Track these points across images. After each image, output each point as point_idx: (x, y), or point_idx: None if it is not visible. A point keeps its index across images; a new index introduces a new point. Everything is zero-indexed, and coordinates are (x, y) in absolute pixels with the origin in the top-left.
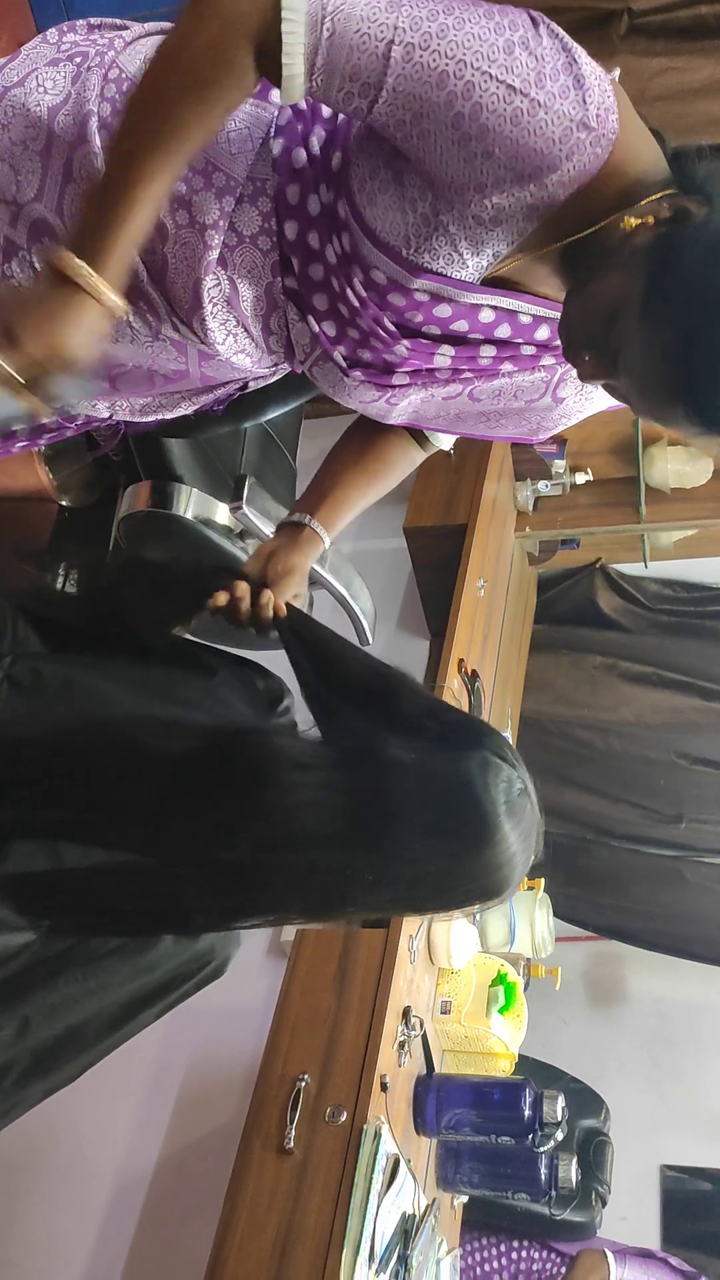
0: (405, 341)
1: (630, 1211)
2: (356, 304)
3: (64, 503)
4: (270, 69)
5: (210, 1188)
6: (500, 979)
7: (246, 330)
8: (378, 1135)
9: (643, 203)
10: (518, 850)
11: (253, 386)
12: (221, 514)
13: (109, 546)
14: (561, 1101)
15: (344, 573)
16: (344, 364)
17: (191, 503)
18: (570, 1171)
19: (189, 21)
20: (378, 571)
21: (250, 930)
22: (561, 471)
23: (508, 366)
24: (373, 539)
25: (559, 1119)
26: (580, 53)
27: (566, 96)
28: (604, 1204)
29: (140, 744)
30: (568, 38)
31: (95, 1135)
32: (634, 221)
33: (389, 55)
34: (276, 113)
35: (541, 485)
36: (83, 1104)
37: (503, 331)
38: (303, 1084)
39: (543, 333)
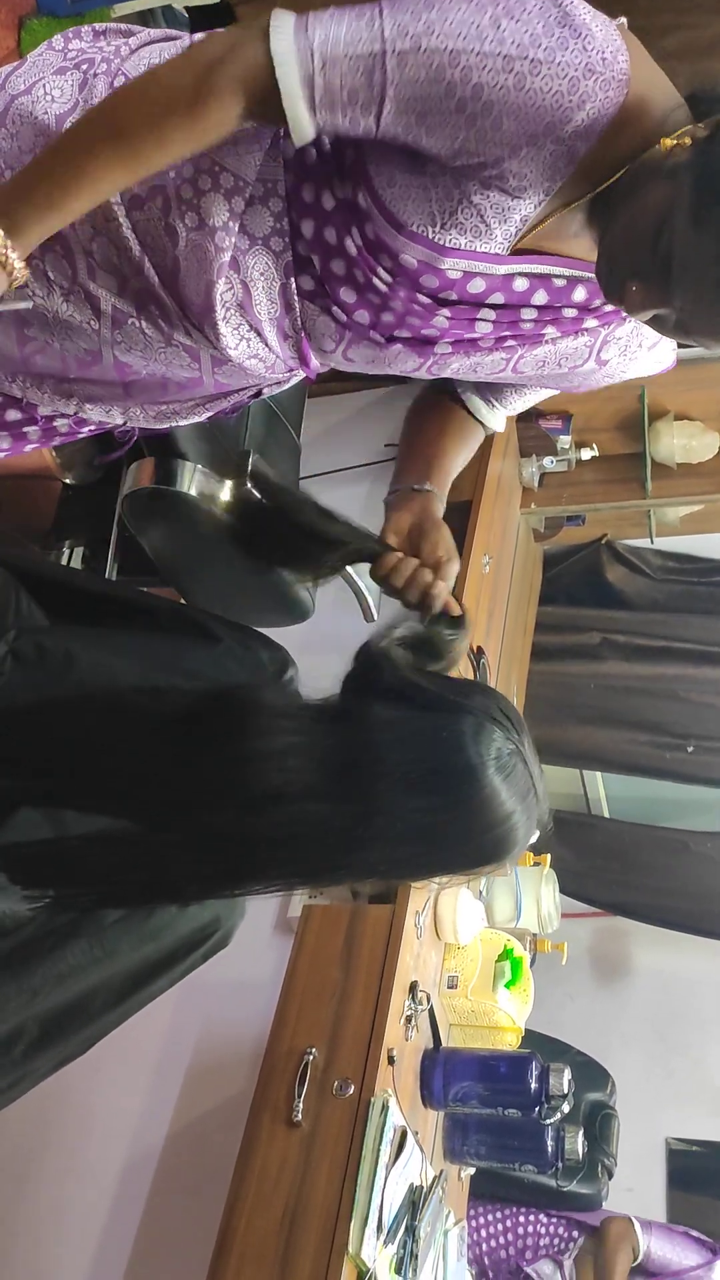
0: (445, 310)
1: (636, 1183)
2: (386, 290)
3: (67, 480)
4: (272, 115)
5: (219, 1160)
6: (507, 954)
7: (259, 334)
8: (385, 1108)
9: (675, 130)
10: (514, 810)
11: (266, 393)
12: (226, 491)
13: (113, 523)
14: (568, 1074)
15: None
16: (382, 339)
17: (195, 479)
18: (576, 1144)
19: (187, 65)
20: None
21: (257, 898)
22: (567, 447)
23: (551, 331)
24: (379, 515)
25: (565, 1092)
26: (574, 3)
27: (566, 47)
28: (610, 1176)
29: (129, 709)
30: None
31: (105, 1109)
32: (669, 142)
33: (384, 67)
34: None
35: (547, 461)
36: (93, 1078)
37: (539, 298)
38: (310, 1057)
39: (579, 294)
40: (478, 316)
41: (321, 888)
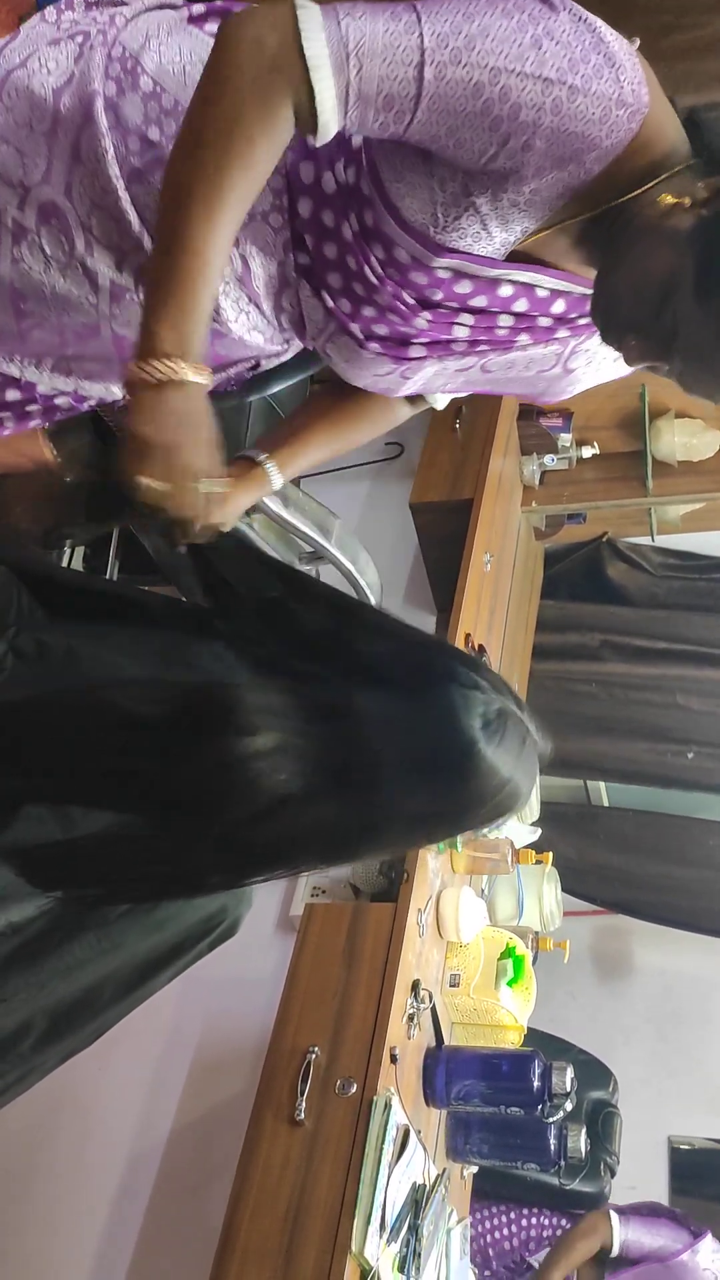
0: (426, 313)
1: (639, 1181)
2: (375, 281)
3: (68, 478)
4: (304, 118)
5: (222, 1159)
6: (509, 952)
7: (258, 307)
8: (388, 1106)
9: (673, 177)
10: (511, 774)
11: (265, 365)
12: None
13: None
14: (570, 1073)
15: (350, 547)
16: (361, 336)
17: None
18: (579, 1142)
19: (214, 88)
20: (384, 546)
21: (264, 888)
22: (568, 445)
23: (524, 339)
24: (379, 513)
25: (568, 1090)
26: (603, 28)
27: (601, 76)
28: (613, 1174)
29: (123, 705)
30: (586, 13)
31: (109, 1107)
32: (670, 200)
33: (421, 78)
34: None
35: (548, 459)
36: (96, 1077)
37: (520, 306)
38: (313, 1056)
39: (559, 306)
40: (456, 320)
41: (344, 865)
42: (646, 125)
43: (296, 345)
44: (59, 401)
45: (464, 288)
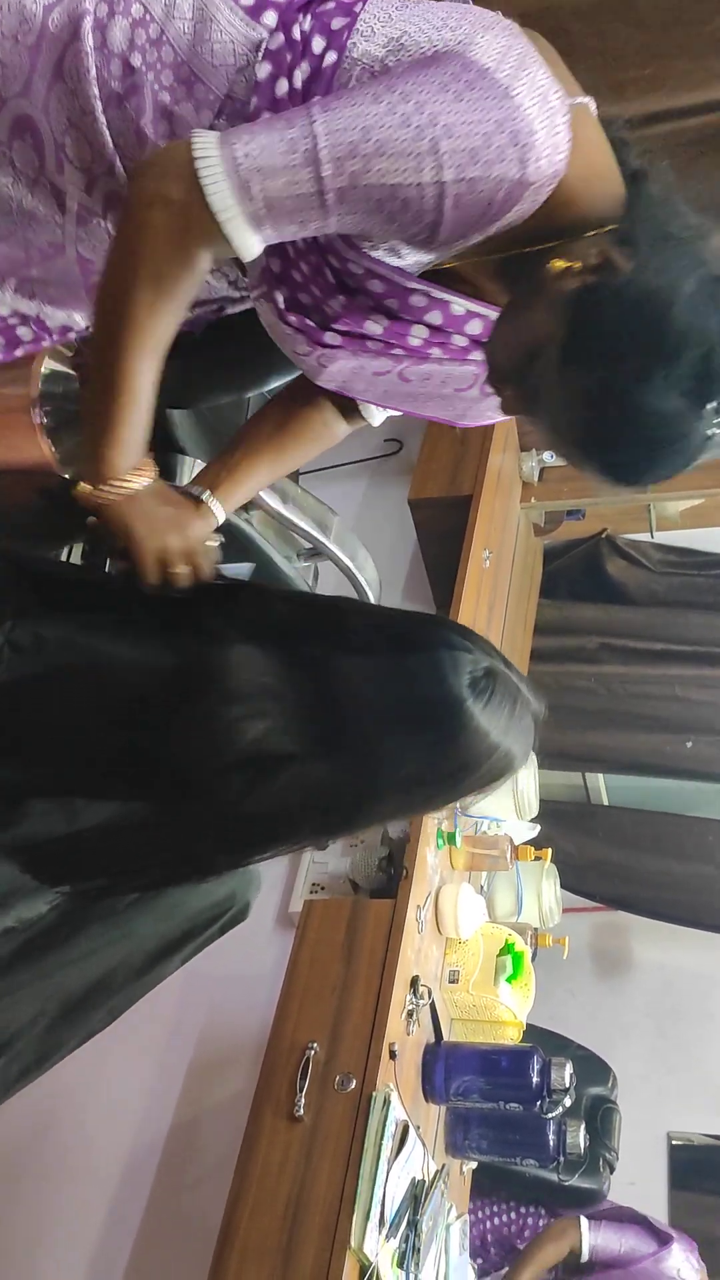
0: (341, 297)
1: (638, 1177)
2: (302, 245)
3: (67, 475)
4: (226, 252)
5: (221, 1155)
6: (508, 948)
7: None
8: (387, 1102)
9: (577, 243)
10: (504, 730)
11: (229, 310)
12: None
13: None
14: (569, 1069)
15: (349, 543)
16: (282, 306)
17: (194, 474)
18: (578, 1138)
19: (134, 246)
20: (383, 542)
21: (265, 883)
22: None
23: (437, 353)
24: (378, 510)
25: (567, 1086)
26: (524, 96)
27: (504, 159)
28: (612, 1170)
29: (116, 685)
30: (505, 83)
31: (108, 1103)
32: (562, 264)
33: (325, 205)
34: (268, 36)
35: (547, 456)
36: (96, 1072)
37: (433, 318)
38: (312, 1052)
39: (474, 327)
40: (369, 318)
41: (345, 835)
42: (560, 191)
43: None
44: (20, 332)
45: (376, 286)
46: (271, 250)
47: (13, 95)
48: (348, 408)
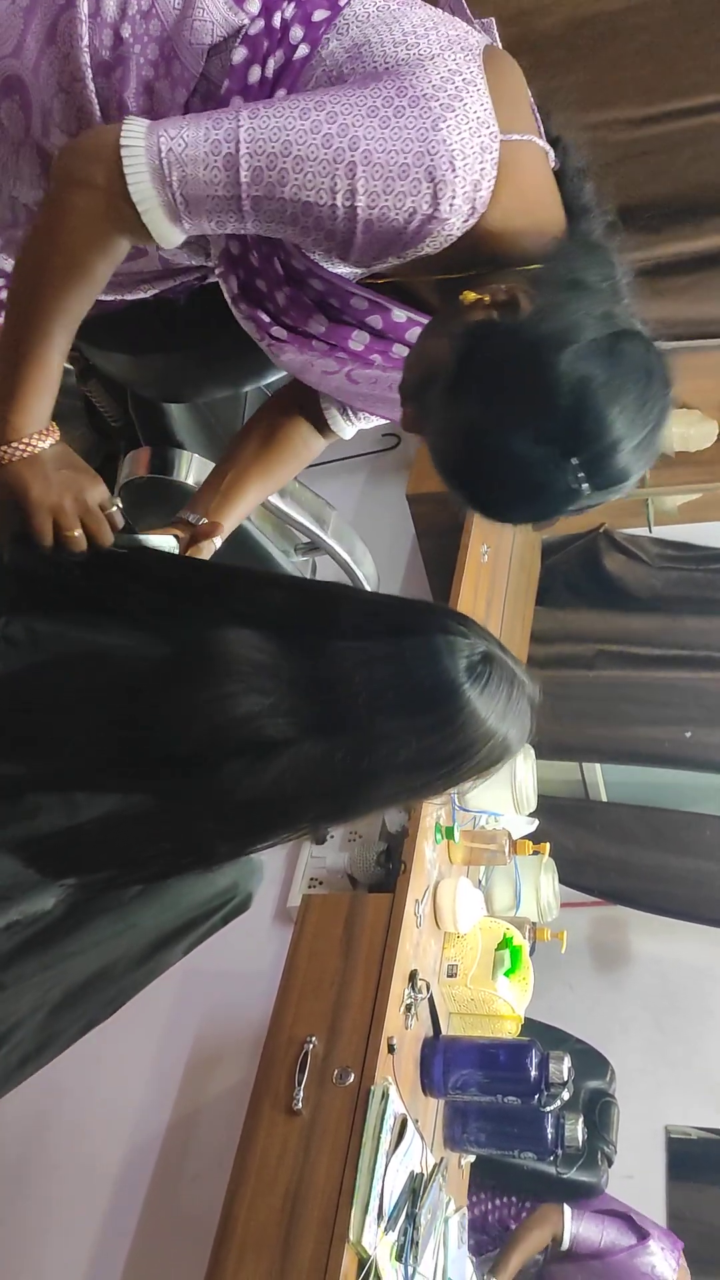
0: (288, 288)
1: (636, 1170)
2: (257, 234)
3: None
4: (144, 239)
5: (220, 1148)
6: (506, 942)
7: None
8: (385, 1096)
9: (494, 276)
10: (502, 714)
11: (210, 279)
12: None
13: None
14: (567, 1062)
15: (347, 538)
16: (235, 291)
17: (192, 468)
18: (576, 1131)
19: (53, 227)
20: (381, 537)
21: (266, 873)
22: None
23: (379, 360)
24: (376, 504)
25: (565, 1079)
26: (459, 120)
27: (417, 192)
28: (610, 1163)
29: (112, 669)
30: (438, 115)
31: (107, 1098)
32: (473, 297)
33: (240, 210)
34: (248, 22)
35: None
36: (95, 1067)
37: (374, 322)
38: (310, 1046)
39: (415, 335)
40: (313, 315)
41: (350, 823)
42: (483, 226)
43: None
44: (4, 297)
45: (316, 284)
46: (232, 234)
47: (4, 55)
48: (322, 424)
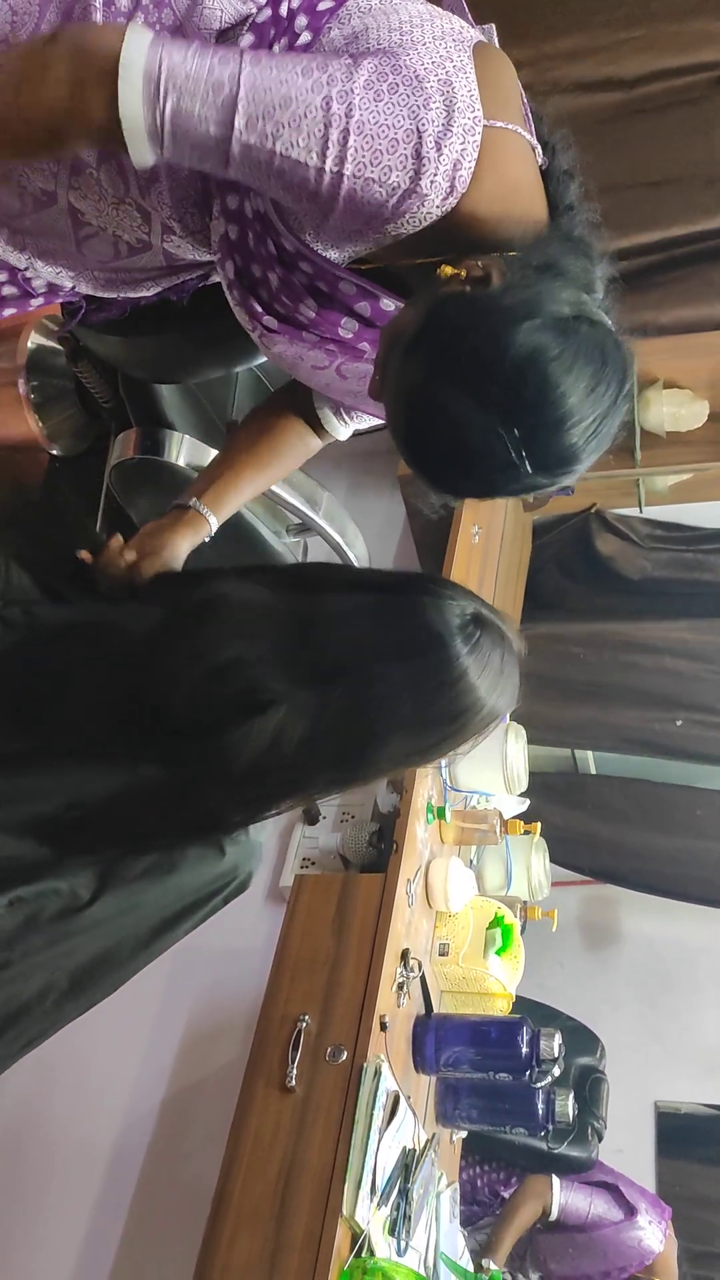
0: (280, 270)
1: (626, 1145)
2: (251, 215)
3: (54, 451)
4: (114, 147)
5: (214, 1125)
6: (497, 921)
7: (174, 227)
8: (378, 1073)
9: (470, 258)
10: (496, 668)
11: (214, 278)
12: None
13: (101, 494)
14: (558, 1039)
15: (339, 519)
16: (231, 276)
17: (183, 449)
18: (567, 1106)
19: (19, 85)
20: (373, 518)
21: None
22: None
23: (368, 348)
24: (368, 486)
25: (555, 1056)
26: (446, 103)
27: (403, 167)
28: (600, 1139)
29: (116, 634)
30: (449, 80)
31: (102, 1076)
32: (450, 271)
33: (229, 154)
34: (256, 11)
35: None
36: (90, 1045)
37: (363, 309)
38: (303, 1024)
39: None
40: (304, 302)
41: (357, 787)
42: (465, 206)
43: None
44: (6, 292)
45: (306, 267)
46: (231, 217)
47: (20, 41)
48: (317, 425)
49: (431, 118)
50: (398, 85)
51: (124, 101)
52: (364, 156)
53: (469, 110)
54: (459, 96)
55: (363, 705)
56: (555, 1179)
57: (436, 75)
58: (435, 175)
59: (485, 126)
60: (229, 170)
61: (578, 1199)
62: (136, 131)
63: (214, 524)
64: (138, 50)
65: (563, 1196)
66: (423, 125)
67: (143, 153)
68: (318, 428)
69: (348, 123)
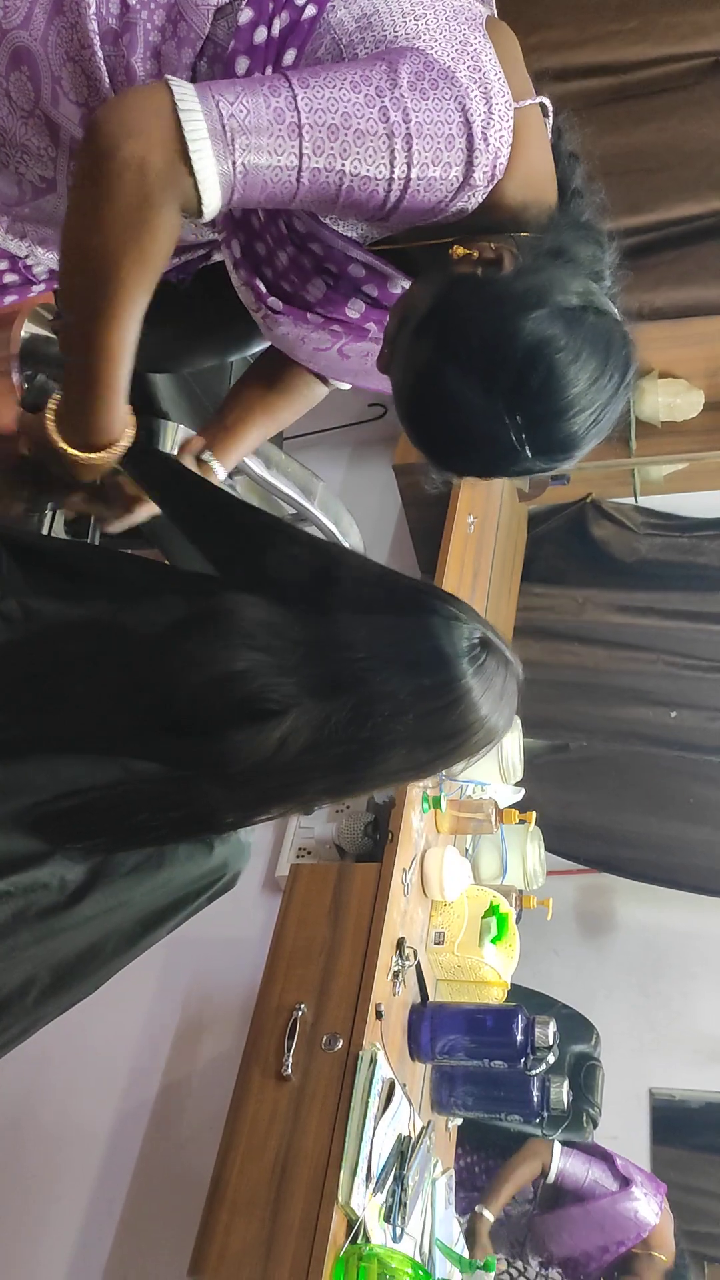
0: (290, 249)
1: (620, 1131)
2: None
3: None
4: (192, 208)
5: (211, 1113)
6: (492, 910)
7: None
8: (373, 1061)
9: (483, 239)
10: (496, 692)
11: (216, 257)
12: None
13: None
14: (553, 1026)
15: (333, 509)
16: (237, 255)
17: (177, 439)
18: (561, 1093)
19: (104, 210)
20: (368, 508)
21: (254, 843)
22: None
23: (374, 330)
24: (362, 475)
25: (550, 1043)
26: (481, 90)
27: (458, 163)
28: (595, 1125)
29: (119, 632)
30: (464, 87)
31: (98, 1065)
32: (463, 251)
33: (299, 181)
34: None
35: None
36: (86, 1034)
37: (371, 289)
38: (299, 1013)
39: None
40: (310, 281)
41: (351, 799)
42: (495, 193)
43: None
44: (7, 280)
45: (317, 248)
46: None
47: (13, 27)
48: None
49: (475, 108)
50: (437, 81)
51: (197, 157)
52: (427, 157)
53: (500, 95)
54: (491, 83)
55: (367, 719)
56: (557, 1143)
57: (464, 64)
58: (485, 165)
59: (515, 109)
60: (294, 200)
61: (576, 1164)
62: (211, 182)
63: (222, 475)
64: (188, 102)
65: (562, 1160)
66: (471, 117)
67: (216, 204)
68: (323, 376)
69: (408, 128)
